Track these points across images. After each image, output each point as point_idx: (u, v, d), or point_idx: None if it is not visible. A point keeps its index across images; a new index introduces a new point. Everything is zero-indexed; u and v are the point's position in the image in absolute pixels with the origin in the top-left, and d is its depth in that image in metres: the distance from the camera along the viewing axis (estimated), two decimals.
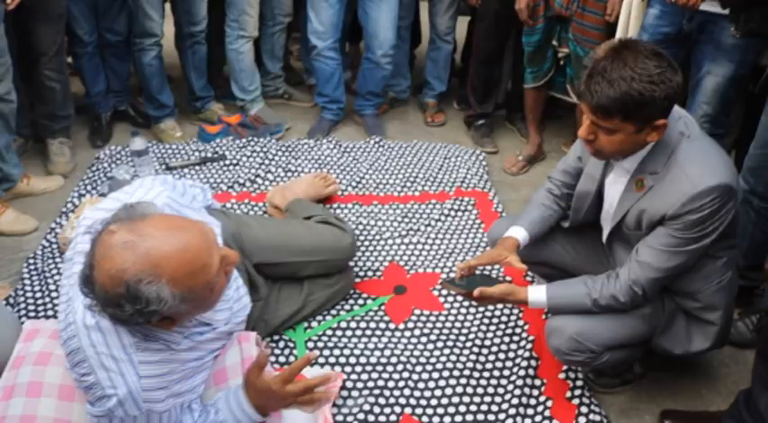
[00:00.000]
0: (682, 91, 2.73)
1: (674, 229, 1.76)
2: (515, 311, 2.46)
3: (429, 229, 2.92)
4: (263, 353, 1.73)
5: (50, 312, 2.39)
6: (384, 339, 2.35)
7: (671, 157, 1.75)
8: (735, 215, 1.80)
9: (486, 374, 2.22)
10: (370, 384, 2.17)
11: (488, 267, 2.67)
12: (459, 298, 2.52)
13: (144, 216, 1.45)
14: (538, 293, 1.95)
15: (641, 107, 1.62)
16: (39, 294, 2.48)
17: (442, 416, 2.09)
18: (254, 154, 3.38)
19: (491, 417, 2.08)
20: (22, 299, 2.46)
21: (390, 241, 2.84)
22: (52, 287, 2.48)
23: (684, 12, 2.46)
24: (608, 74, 1.61)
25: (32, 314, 2.40)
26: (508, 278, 2.61)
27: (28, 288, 2.52)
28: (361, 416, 2.06)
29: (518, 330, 2.38)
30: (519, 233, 2.14)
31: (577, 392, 2.13)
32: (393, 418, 2.06)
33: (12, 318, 2.10)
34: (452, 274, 2.60)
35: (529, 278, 2.60)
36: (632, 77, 1.59)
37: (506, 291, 1.98)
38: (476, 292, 1.96)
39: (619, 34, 2.73)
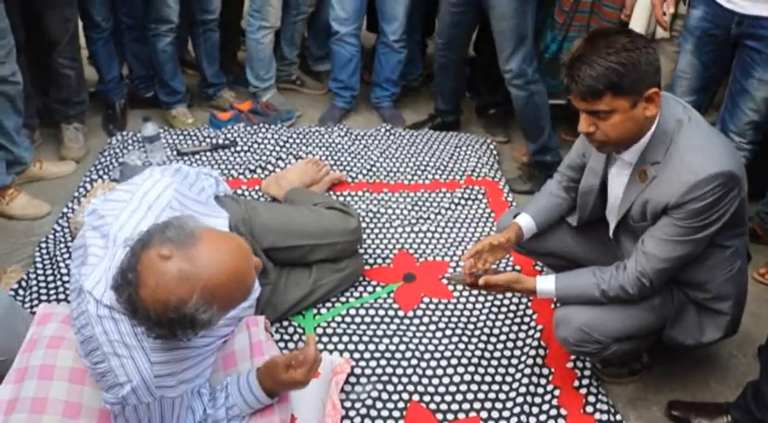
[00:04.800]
0: (717, 93, 2.70)
1: (677, 218, 1.75)
2: (524, 300, 2.46)
3: (439, 217, 2.92)
4: (307, 353, 1.73)
5: (62, 296, 2.41)
6: (393, 327, 2.36)
7: (670, 145, 1.75)
8: (741, 203, 1.79)
9: (495, 363, 2.23)
10: (379, 371, 2.18)
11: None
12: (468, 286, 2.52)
13: (194, 237, 1.43)
14: (547, 283, 1.96)
15: (626, 76, 1.63)
16: (51, 278, 2.50)
17: (449, 403, 2.10)
18: (265, 140, 3.38)
19: (498, 405, 2.09)
20: (34, 282, 2.49)
21: (400, 229, 2.84)
22: (64, 271, 2.49)
23: (732, 14, 2.34)
24: (586, 58, 1.65)
25: (44, 298, 2.42)
26: (517, 267, 2.61)
27: (40, 272, 2.54)
28: (369, 402, 2.07)
29: (526, 319, 2.39)
30: (523, 220, 2.16)
31: (585, 382, 2.13)
32: (401, 405, 2.07)
33: (25, 314, 2.10)
34: (459, 269, 2.61)
35: (538, 268, 2.60)
36: (608, 53, 1.63)
37: (513, 278, 1.98)
38: (480, 281, 1.97)
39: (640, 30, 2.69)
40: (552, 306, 2.39)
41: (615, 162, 1.93)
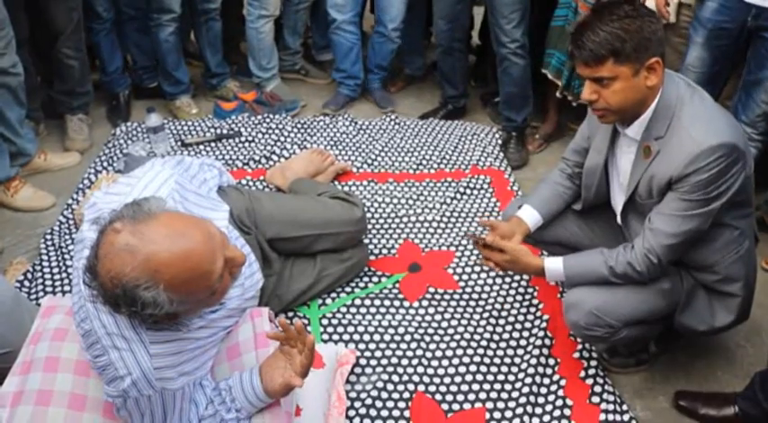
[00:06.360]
0: (728, 85, 2.68)
1: (681, 192, 1.75)
2: (530, 290, 2.45)
3: (444, 207, 2.91)
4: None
5: (67, 288, 2.41)
6: (398, 317, 2.35)
7: (673, 119, 1.75)
8: (746, 180, 1.78)
9: (500, 353, 2.23)
10: (384, 362, 2.18)
11: None
12: (474, 276, 2.52)
13: (150, 216, 1.43)
14: (555, 263, 1.96)
15: (628, 42, 1.66)
16: (56, 270, 2.50)
17: (455, 394, 2.09)
18: (270, 131, 3.38)
19: (504, 395, 2.09)
20: (39, 274, 2.49)
21: (405, 219, 2.83)
22: (69, 263, 2.49)
23: (749, 7, 2.32)
24: (590, 25, 1.70)
25: (50, 289, 2.42)
26: None
27: (45, 264, 2.54)
28: (374, 393, 2.07)
29: (532, 309, 2.38)
30: (527, 213, 2.16)
31: (591, 372, 2.12)
32: (406, 395, 2.07)
33: (30, 306, 2.10)
34: (465, 258, 2.61)
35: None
36: (611, 20, 1.68)
37: (522, 250, 1.99)
38: (489, 237, 2.00)
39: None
40: (558, 296, 2.39)
41: (621, 140, 1.92)
